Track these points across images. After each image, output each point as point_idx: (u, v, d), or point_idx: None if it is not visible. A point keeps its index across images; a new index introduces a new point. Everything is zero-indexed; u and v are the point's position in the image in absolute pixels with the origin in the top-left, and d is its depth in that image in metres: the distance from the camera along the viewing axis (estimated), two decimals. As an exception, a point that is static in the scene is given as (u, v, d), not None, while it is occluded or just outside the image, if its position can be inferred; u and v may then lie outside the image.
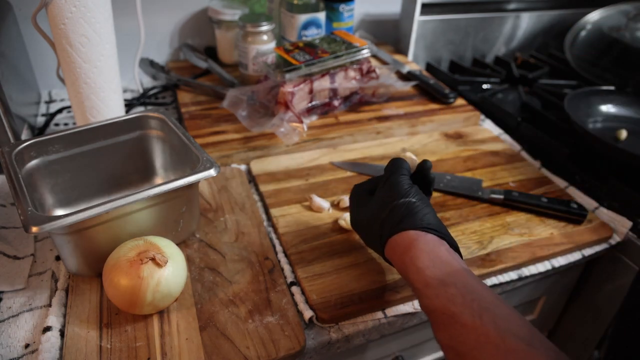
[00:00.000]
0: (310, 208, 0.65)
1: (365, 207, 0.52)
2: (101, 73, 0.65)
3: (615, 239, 0.66)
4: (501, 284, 0.59)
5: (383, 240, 0.47)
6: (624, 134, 0.84)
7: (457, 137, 0.84)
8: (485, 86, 1.05)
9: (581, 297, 0.79)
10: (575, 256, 0.63)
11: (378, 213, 0.49)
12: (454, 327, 0.38)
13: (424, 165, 0.52)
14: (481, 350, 0.35)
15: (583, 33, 1.15)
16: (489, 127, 0.89)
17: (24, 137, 0.71)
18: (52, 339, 0.46)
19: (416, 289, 0.43)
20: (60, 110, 0.85)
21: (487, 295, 0.39)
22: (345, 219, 0.61)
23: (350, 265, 0.56)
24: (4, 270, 0.54)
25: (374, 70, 0.86)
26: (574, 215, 0.65)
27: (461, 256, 0.46)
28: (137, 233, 0.52)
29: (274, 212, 0.64)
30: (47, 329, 0.47)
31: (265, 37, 0.89)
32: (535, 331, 0.37)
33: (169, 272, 0.47)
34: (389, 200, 0.48)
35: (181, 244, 0.58)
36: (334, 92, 0.83)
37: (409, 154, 0.55)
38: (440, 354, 0.71)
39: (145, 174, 0.65)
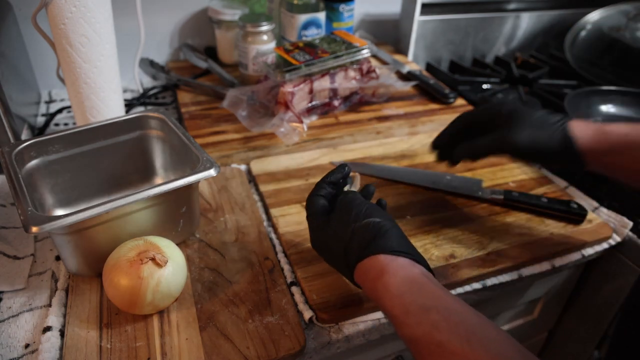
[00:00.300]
0: (310, 208, 0.65)
1: (324, 228, 0.48)
2: (101, 73, 0.65)
3: (615, 239, 0.66)
4: (501, 284, 0.59)
5: (351, 266, 0.44)
6: None
7: (457, 137, 0.84)
8: (485, 86, 1.05)
9: (581, 297, 0.79)
10: (575, 256, 0.63)
11: (340, 236, 0.45)
12: (442, 356, 0.34)
13: (368, 191, 0.51)
14: None
15: (583, 33, 1.15)
16: (489, 127, 0.89)
17: (24, 137, 0.71)
18: (52, 339, 0.46)
19: (393, 317, 0.39)
20: (60, 110, 0.85)
21: (471, 317, 0.37)
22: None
23: (350, 265, 0.56)
24: (4, 270, 0.54)
25: (374, 70, 0.86)
26: (574, 215, 0.65)
27: (434, 275, 0.43)
28: (137, 233, 0.52)
29: (274, 212, 0.64)
30: (47, 329, 0.47)
31: (265, 37, 0.89)
32: (526, 352, 0.35)
33: (169, 272, 0.47)
34: (350, 221, 0.45)
35: (181, 244, 0.58)
36: (334, 92, 0.83)
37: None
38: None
39: (145, 174, 0.65)
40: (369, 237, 0.44)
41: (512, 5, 1.19)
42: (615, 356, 0.53)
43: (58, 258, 0.56)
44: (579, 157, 0.51)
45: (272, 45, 0.90)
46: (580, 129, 0.51)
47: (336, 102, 0.84)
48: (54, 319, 0.48)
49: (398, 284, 0.40)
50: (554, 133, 0.51)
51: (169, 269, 0.47)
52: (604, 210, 0.69)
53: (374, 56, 1.06)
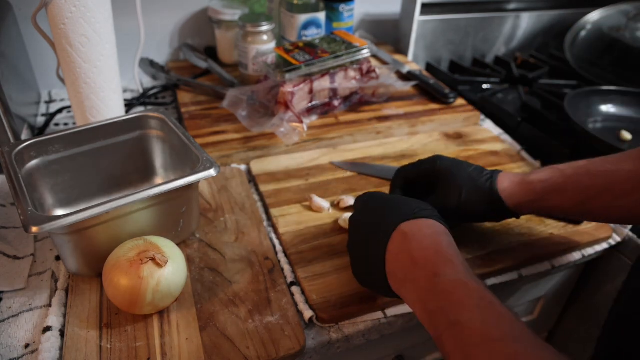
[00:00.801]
0: (310, 208, 0.65)
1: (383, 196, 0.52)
2: (101, 73, 0.65)
3: (615, 239, 0.66)
4: (501, 284, 0.59)
5: (407, 215, 0.46)
6: (627, 135, 0.84)
7: (457, 137, 0.84)
8: (485, 86, 1.05)
9: (581, 297, 0.79)
10: (575, 256, 0.63)
11: (397, 201, 0.49)
12: (493, 311, 0.36)
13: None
14: (518, 339, 0.34)
15: (583, 33, 1.15)
16: (489, 127, 0.89)
17: (24, 137, 0.71)
18: (52, 339, 0.46)
19: (449, 262, 0.41)
20: (60, 110, 0.85)
21: None
22: (345, 219, 0.61)
23: (350, 265, 0.56)
24: (4, 270, 0.54)
25: (374, 70, 0.86)
26: (574, 215, 0.65)
27: None
28: (137, 233, 0.52)
29: (274, 212, 0.64)
30: (47, 329, 0.47)
31: (265, 37, 0.89)
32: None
33: (169, 272, 0.47)
34: (409, 199, 0.49)
35: (181, 244, 0.58)
36: (334, 92, 0.83)
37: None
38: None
39: (145, 174, 0.65)
40: (431, 212, 0.47)
41: (512, 5, 1.19)
42: (607, 354, 0.53)
43: (58, 258, 0.56)
44: (509, 210, 0.54)
45: (272, 45, 0.90)
46: (507, 185, 0.54)
47: (336, 102, 0.84)
48: (54, 319, 0.48)
49: (456, 248, 0.43)
50: (482, 194, 0.54)
51: (169, 269, 0.47)
52: (604, 210, 0.69)
53: (374, 56, 1.06)
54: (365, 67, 0.84)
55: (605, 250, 0.66)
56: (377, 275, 0.46)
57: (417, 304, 0.41)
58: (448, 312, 0.37)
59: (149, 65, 0.96)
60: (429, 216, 0.46)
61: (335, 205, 0.65)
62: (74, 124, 0.78)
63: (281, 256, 0.58)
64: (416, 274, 0.42)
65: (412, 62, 1.08)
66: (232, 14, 0.93)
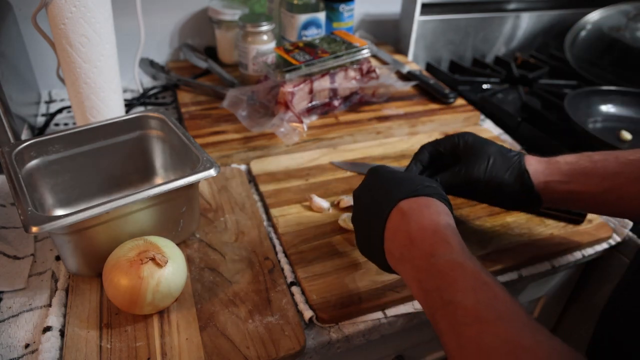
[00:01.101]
0: (310, 208, 0.65)
1: (387, 172, 0.51)
2: (101, 73, 0.65)
3: (615, 239, 0.66)
4: (501, 284, 0.59)
5: (408, 192, 0.45)
6: (627, 135, 0.84)
7: (457, 137, 0.84)
8: (485, 86, 1.05)
9: (581, 297, 0.79)
10: (575, 256, 0.63)
11: (400, 178, 0.48)
12: (487, 292, 0.36)
13: None
14: (511, 321, 0.34)
15: (583, 33, 1.15)
16: (489, 127, 0.89)
17: (24, 137, 0.71)
18: (52, 339, 0.46)
19: (446, 242, 0.41)
20: (60, 110, 0.85)
21: None
22: (345, 219, 0.61)
23: (350, 265, 0.56)
24: (4, 270, 0.54)
25: (374, 70, 0.86)
26: (573, 215, 0.65)
27: None
28: (137, 233, 0.52)
29: (274, 212, 0.64)
30: (47, 329, 0.47)
31: (265, 37, 0.89)
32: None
33: (169, 272, 0.47)
34: (413, 176, 0.49)
35: (181, 244, 0.58)
36: (334, 92, 0.83)
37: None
38: (441, 353, 0.71)
39: (145, 174, 0.65)
40: (433, 189, 0.47)
41: (512, 5, 1.19)
42: (599, 346, 0.53)
43: (58, 258, 0.56)
44: (535, 190, 0.53)
45: (272, 45, 0.90)
46: (534, 163, 0.53)
47: (336, 102, 0.84)
48: (54, 319, 0.48)
49: (451, 223, 0.43)
50: (510, 167, 0.53)
51: (169, 269, 0.47)
52: (604, 210, 0.69)
53: (374, 56, 1.06)
54: (365, 67, 0.84)
55: (605, 250, 0.66)
56: (376, 251, 0.46)
57: (414, 283, 0.41)
58: (443, 291, 0.37)
59: (149, 65, 0.96)
60: (430, 194, 0.46)
61: (335, 205, 0.65)
62: (74, 124, 0.78)
63: (281, 256, 0.58)
64: (413, 253, 0.42)
65: (412, 62, 1.08)
66: (232, 14, 0.93)
